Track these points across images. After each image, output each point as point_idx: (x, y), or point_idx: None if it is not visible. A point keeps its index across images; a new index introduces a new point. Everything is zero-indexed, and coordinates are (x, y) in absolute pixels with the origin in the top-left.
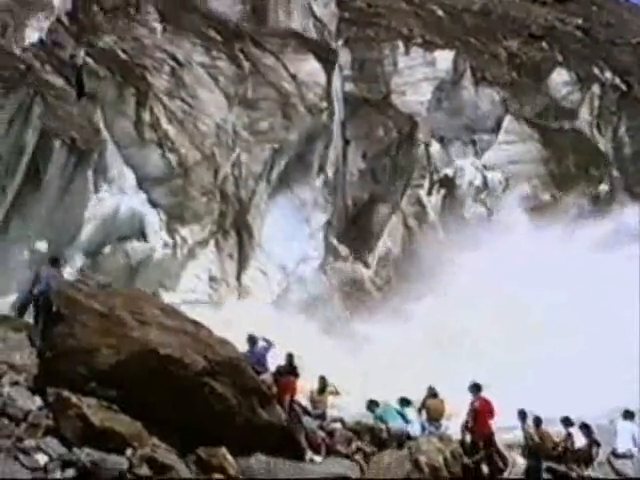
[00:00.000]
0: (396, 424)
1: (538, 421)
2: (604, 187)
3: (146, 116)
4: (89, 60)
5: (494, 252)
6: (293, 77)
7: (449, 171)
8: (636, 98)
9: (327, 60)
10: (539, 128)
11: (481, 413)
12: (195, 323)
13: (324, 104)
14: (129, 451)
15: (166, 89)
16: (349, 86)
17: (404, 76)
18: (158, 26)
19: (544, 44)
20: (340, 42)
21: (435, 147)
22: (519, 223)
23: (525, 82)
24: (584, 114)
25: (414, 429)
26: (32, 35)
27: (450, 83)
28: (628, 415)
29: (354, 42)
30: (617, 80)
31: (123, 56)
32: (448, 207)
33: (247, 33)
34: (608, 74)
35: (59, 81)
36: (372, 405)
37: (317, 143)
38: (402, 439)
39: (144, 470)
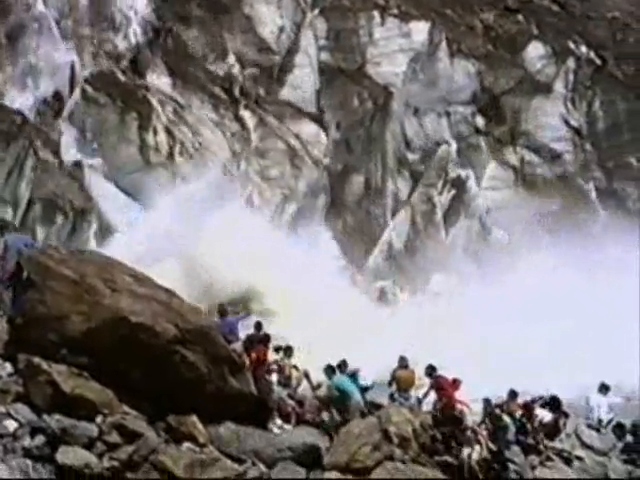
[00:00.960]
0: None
1: (513, 394)
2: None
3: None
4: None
5: None
6: (297, 136)
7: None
8: (611, 73)
9: (322, 121)
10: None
11: (443, 390)
12: (167, 291)
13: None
14: (99, 418)
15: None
16: (324, 55)
17: (379, 47)
18: (167, 80)
19: (520, 17)
20: (316, 11)
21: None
22: None
23: (500, 55)
24: (559, 88)
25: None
26: None
27: (425, 54)
28: (602, 388)
29: (330, 11)
30: (592, 54)
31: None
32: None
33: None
34: (583, 48)
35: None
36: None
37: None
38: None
39: (114, 437)
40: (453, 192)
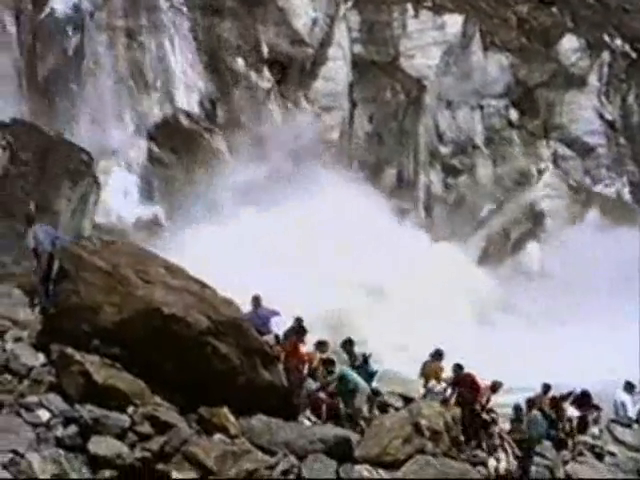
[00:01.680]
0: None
1: (546, 388)
2: None
3: None
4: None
5: None
6: None
7: None
8: None
9: None
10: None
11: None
12: (200, 283)
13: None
14: (131, 409)
15: None
16: (357, 48)
17: (413, 39)
18: None
19: (554, 9)
20: (349, 4)
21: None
22: None
23: (534, 48)
24: (593, 81)
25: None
26: None
27: (459, 47)
28: (628, 387)
29: (363, 4)
30: (627, 47)
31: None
32: None
33: None
34: (618, 41)
35: None
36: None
37: None
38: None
39: (146, 428)
40: None
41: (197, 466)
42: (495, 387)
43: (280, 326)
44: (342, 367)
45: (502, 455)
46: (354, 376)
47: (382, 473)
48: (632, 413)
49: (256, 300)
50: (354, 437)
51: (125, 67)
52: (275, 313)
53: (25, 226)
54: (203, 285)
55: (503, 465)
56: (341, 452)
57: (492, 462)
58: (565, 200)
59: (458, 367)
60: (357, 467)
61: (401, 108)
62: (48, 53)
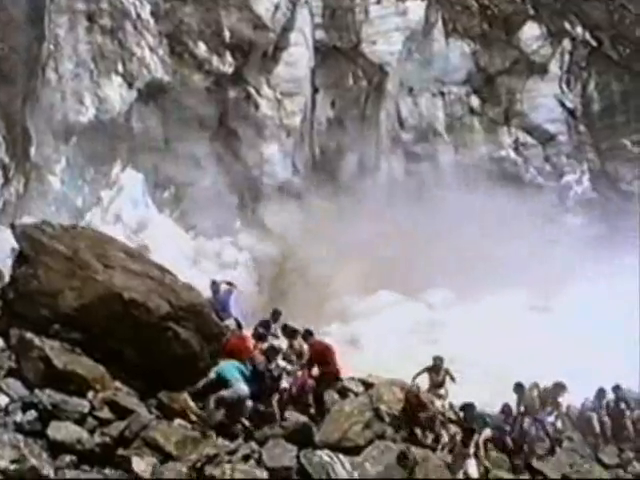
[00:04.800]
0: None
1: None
2: None
3: None
4: None
5: None
6: None
7: None
8: (606, 54)
9: None
10: None
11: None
12: (160, 268)
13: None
14: (91, 394)
15: None
16: (320, 34)
17: (375, 25)
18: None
19: None
20: None
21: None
22: None
23: (496, 35)
24: (554, 69)
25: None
26: None
27: (421, 34)
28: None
29: None
30: (588, 35)
31: None
32: None
33: None
34: (579, 29)
35: None
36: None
37: None
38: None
39: (105, 413)
40: None
41: (157, 451)
42: None
43: (239, 302)
44: (222, 365)
45: (472, 461)
46: (233, 376)
47: (342, 458)
48: None
49: (215, 285)
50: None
51: (86, 50)
52: (230, 284)
53: None
54: (164, 270)
55: (473, 470)
56: (301, 437)
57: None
58: None
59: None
60: (318, 452)
61: (363, 94)
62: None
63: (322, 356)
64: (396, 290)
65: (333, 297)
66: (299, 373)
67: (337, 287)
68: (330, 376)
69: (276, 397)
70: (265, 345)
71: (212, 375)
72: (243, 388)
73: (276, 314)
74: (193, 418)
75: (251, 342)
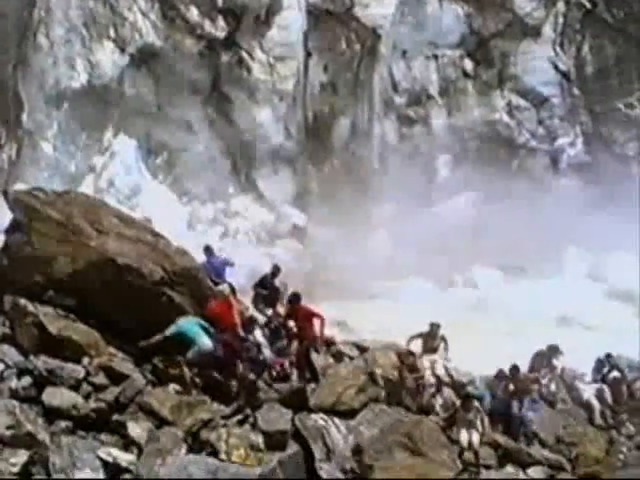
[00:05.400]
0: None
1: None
2: None
3: None
4: None
5: None
6: None
7: None
8: (600, 17)
9: None
10: None
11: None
12: (154, 233)
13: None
14: (85, 360)
15: None
16: None
17: None
18: None
19: None
20: None
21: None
22: None
23: None
24: (547, 32)
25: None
26: None
27: None
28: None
29: None
30: None
31: None
32: None
33: None
34: None
35: None
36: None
37: None
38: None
39: (100, 379)
40: None
41: (152, 416)
42: None
43: (234, 275)
44: (181, 322)
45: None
46: (194, 333)
47: (337, 421)
48: None
49: (208, 250)
50: (310, 387)
51: (77, 16)
52: (227, 263)
53: None
54: (157, 235)
55: (476, 438)
56: (296, 401)
57: (464, 435)
58: None
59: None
60: (312, 416)
61: (356, 58)
62: None
63: (306, 320)
64: None
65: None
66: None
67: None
68: (309, 340)
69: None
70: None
71: (169, 332)
72: (206, 343)
73: (276, 269)
74: (188, 382)
75: (236, 309)
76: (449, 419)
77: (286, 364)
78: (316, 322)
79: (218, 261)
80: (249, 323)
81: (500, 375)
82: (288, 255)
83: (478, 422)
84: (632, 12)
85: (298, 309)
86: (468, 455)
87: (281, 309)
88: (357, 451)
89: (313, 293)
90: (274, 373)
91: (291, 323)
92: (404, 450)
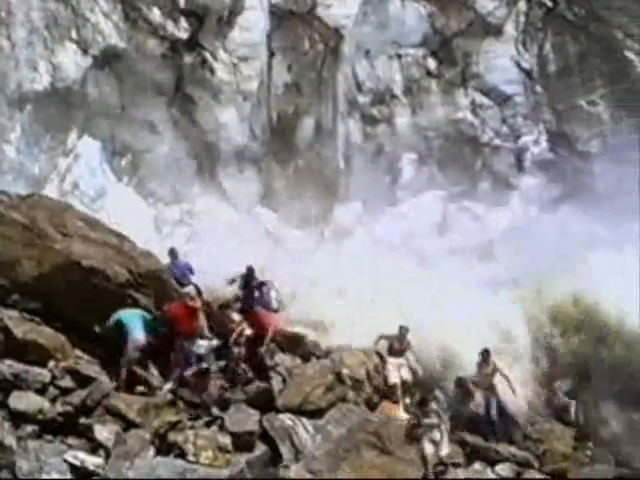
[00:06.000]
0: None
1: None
2: None
3: None
4: None
5: None
6: None
7: None
8: (562, 15)
9: None
10: None
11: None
12: (119, 235)
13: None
14: (51, 363)
15: None
16: None
17: None
18: None
19: None
20: None
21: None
22: None
23: None
24: (510, 30)
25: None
26: None
27: None
28: None
29: None
30: None
31: None
32: None
33: None
34: None
35: None
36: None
37: None
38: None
39: (67, 382)
40: None
41: (119, 419)
42: None
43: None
44: (122, 313)
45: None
46: (131, 323)
47: (305, 421)
48: None
49: (172, 253)
50: (277, 386)
51: (39, 17)
52: (189, 268)
53: None
54: (122, 237)
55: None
56: (263, 402)
57: (429, 446)
58: None
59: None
60: (280, 416)
61: (319, 58)
62: None
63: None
64: None
65: None
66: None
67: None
68: (263, 333)
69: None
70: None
71: (109, 322)
72: (137, 338)
73: (250, 271)
74: (155, 384)
75: (200, 313)
76: (412, 427)
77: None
78: (271, 327)
79: (182, 264)
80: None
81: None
82: (257, 255)
83: (441, 425)
84: (593, 10)
85: (254, 315)
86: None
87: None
88: (325, 451)
89: (283, 293)
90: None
91: (247, 330)
92: (372, 449)
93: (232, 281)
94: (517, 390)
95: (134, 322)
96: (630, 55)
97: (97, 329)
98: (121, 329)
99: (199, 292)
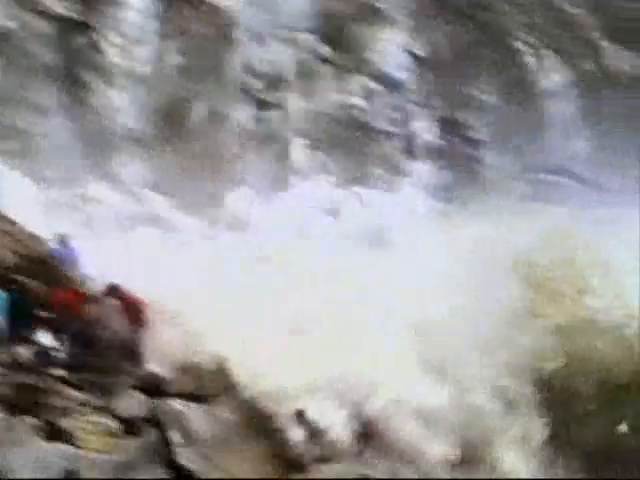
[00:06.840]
0: None
1: None
2: None
3: None
4: None
5: None
6: None
7: None
8: (453, 3)
9: None
10: None
11: None
12: (7, 219)
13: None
14: None
15: None
16: None
17: None
18: None
19: None
20: None
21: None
22: None
23: None
24: (402, 17)
25: None
26: None
27: None
28: None
29: None
30: None
31: None
32: None
33: None
34: None
35: None
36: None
37: None
38: None
39: None
40: None
41: (6, 405)
42: None
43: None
44: None
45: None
46: None
47: (195, 406)
48: None
49: (62, 239)
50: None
51: None
52: (78, 254)
53: None
54: (10, 221)
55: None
56: (152, 387)
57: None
58: None
59: None
60: (169, 401)
61: (210, 41)
62: None
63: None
64: None
65: None
66: None
67: None
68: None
69: None
70: None
71: None
72: None
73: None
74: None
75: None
76: None
77: None
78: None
79: (72, 250)
80: None
81: None
82: (149, 241)
83: None
84: None
85: (123, 298)
86: None
87: None
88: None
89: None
90: None
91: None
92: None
93: None
94: None
95: None
96: (517, 44)
97: None
98: None
99: (87, 280)
